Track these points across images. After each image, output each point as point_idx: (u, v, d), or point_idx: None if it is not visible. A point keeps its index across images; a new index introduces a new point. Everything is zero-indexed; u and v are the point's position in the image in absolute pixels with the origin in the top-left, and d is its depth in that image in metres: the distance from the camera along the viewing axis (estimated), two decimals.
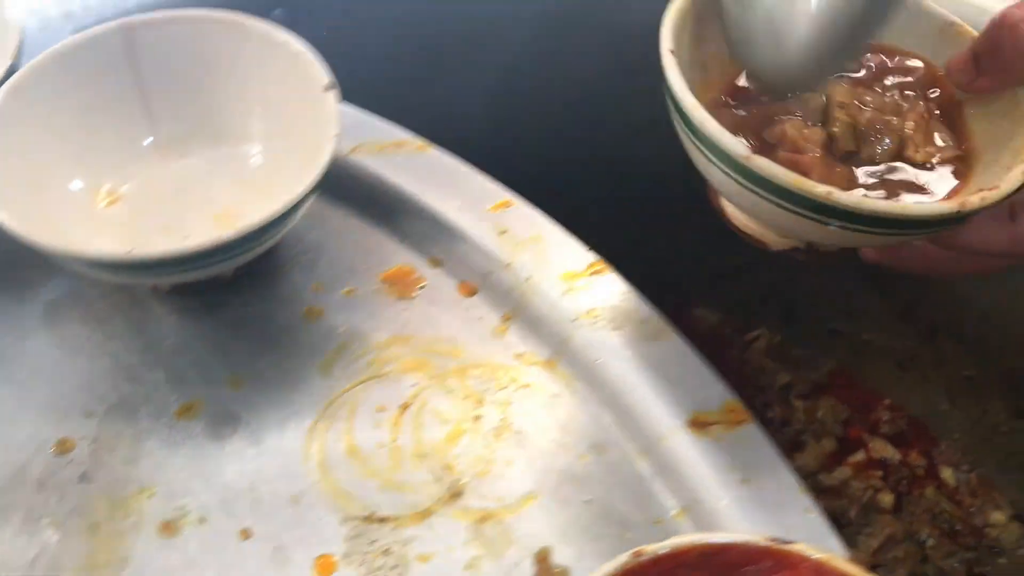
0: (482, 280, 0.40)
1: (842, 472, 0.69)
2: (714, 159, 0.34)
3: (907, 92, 0.38)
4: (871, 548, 0.66)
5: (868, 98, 0.37)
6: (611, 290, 0.39)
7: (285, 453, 0.36)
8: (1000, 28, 0.33)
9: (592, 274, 0.39)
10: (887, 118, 0.36)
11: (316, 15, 0.56)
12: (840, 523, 0.67)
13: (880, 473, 0.70)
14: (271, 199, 0.35)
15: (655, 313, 0.38)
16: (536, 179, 0.69)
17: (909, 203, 0.33)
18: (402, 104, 0.53)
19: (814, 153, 0.35)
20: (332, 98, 0.38)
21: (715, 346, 0.76)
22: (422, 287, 0.40)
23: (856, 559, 0.32)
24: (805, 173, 0.33)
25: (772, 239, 0.39)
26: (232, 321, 0.39)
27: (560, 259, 0.39)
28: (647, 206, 0.72)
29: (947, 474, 0.70)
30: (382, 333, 0.39)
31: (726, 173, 0.34)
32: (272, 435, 0.36)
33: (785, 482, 0.33)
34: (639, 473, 0.35)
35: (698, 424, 0.35)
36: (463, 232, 0.40)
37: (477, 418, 0.36)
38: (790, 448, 0.71)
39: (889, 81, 0.38)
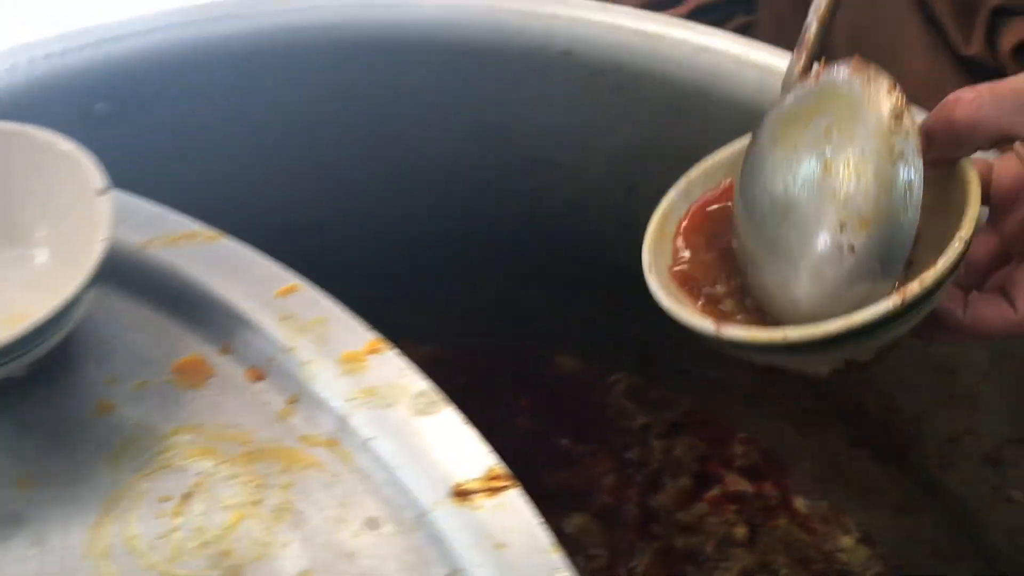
0: (267, 365, 0.41)
1: (699, 508, 0.72)
2: (702, 338, 0.39)
3: None
4: None
5: None
6: (389, 367, 0.40)
7: (67, 550, 0.37)
8: (954, 104, 0.37)
9: (371, 353, 0.41)
10: None
11: (140, 108, 0.57)
12: (697, 559, 0.69)
13: (735, 507, 0.72)
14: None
15: (430, 387, 0.40)
16: (385, 252, 0.71)
17: (856, 313, 0.35)
18: (212, 194, 0.55)
19: None
20: (105, 202, 0.39)
21: (577, 391, 0.79)
22: (212, 375, 0.41)
23: None
24: None
25: (810, 371, 0.42)
26: (24, 420, 0.40)
27: (341, 340, 0.41)
28: (506, 266, 0.75)
29: (799, 503, 0.73)
30: (171, 423, 0.40)
31: (717, 345, 0.38)
32: (56, 533, 0.37)
33: (540, 544, 0.35)
34: (411, 545, 0.37)
35: (461, 493, 0.36)
36: (249, 319, 0.42)
37: (258, 502, 0.38)
38: (650, 488, 0.73)
39: None
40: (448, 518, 0.36)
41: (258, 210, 0.66)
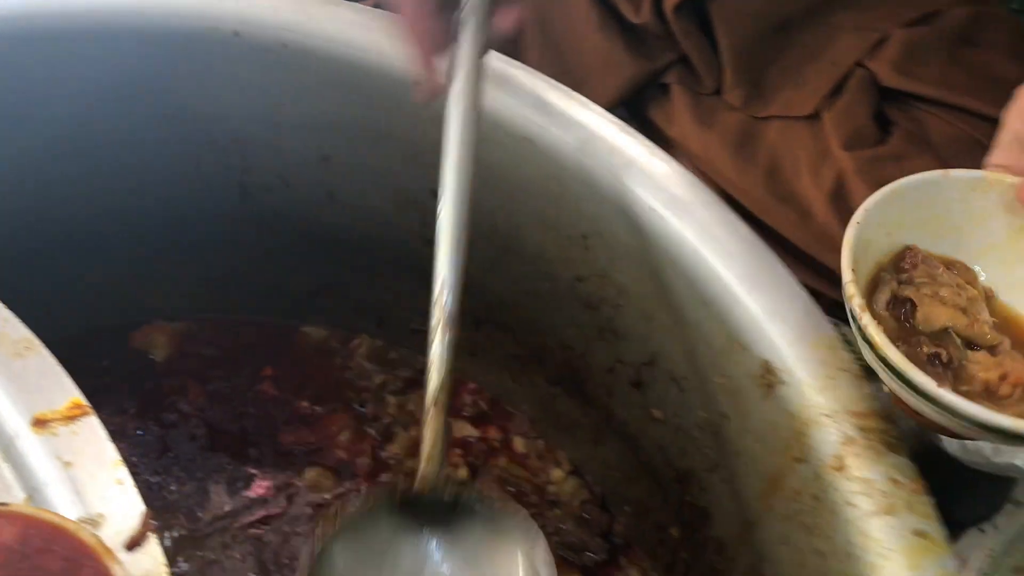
0: None
1: None
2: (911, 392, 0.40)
3: None
4: None
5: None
6: None
7: None
8: None
9: None
10: None
11: None
12: None
13: (460, 451, 0.78)
14: None
15: (27, 333, 0.44)
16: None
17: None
18: None
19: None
20: None
21: (321, 357, 0.83)
22: None
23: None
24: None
25: None
26: None
27: None
28: (238, 242, 0.79)
29: (519, 443, 0.79)
30: None
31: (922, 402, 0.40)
32: None
33: (106, 460, 0.40)
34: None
35: (40, 422, 0.41)
36: None
37: None
38: (383, 440, 0.78)
39: None
40: (29, 445, 0.40)
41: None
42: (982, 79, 0.63)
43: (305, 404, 0.80)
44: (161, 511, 0.73)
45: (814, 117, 0.66)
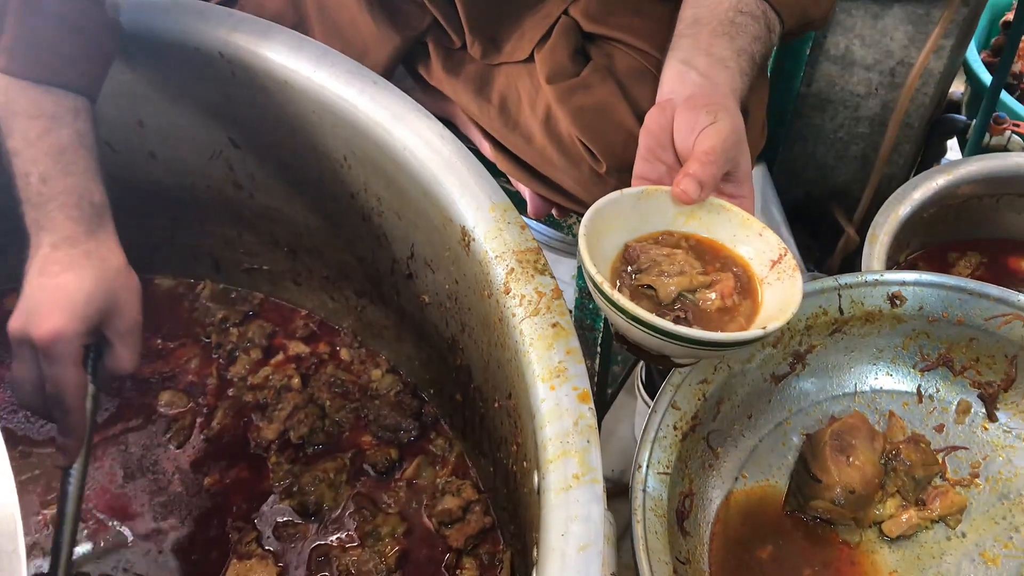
0: None
1: (265, 371, 0.91)
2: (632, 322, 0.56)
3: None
4: (282, 417, 0.88)
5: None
6: None
7: None
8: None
9: None
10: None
11: None
12: (260, 406, 0.89)
13: (294, 366, 0.92)
14: None
15: None
16: None
17: (742, 332, 0.58)
18: None
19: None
20: None
21: (171, 303, 0.97)
22: None
23: None
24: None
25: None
26: None
27: None
28: None
29: (344, 353, 0.93)
30: None
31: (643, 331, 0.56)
32: None
33: None
34: None
35: None
36: None
37: None
38: (227, 364, 0.92)
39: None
40: None
41: None
42: (659, 25, 0.78)
43: (159, 342, 0.93)
44: (38, 440, 0.86)
45: (530, 60, 0.81)
